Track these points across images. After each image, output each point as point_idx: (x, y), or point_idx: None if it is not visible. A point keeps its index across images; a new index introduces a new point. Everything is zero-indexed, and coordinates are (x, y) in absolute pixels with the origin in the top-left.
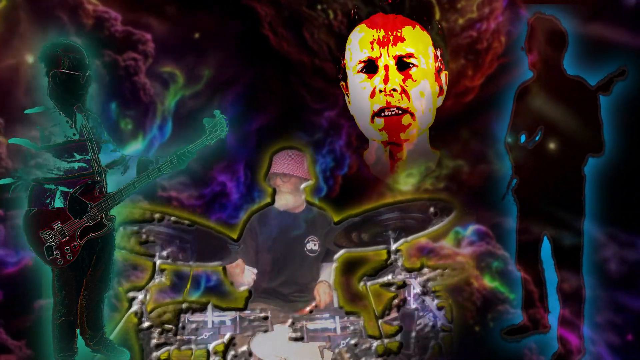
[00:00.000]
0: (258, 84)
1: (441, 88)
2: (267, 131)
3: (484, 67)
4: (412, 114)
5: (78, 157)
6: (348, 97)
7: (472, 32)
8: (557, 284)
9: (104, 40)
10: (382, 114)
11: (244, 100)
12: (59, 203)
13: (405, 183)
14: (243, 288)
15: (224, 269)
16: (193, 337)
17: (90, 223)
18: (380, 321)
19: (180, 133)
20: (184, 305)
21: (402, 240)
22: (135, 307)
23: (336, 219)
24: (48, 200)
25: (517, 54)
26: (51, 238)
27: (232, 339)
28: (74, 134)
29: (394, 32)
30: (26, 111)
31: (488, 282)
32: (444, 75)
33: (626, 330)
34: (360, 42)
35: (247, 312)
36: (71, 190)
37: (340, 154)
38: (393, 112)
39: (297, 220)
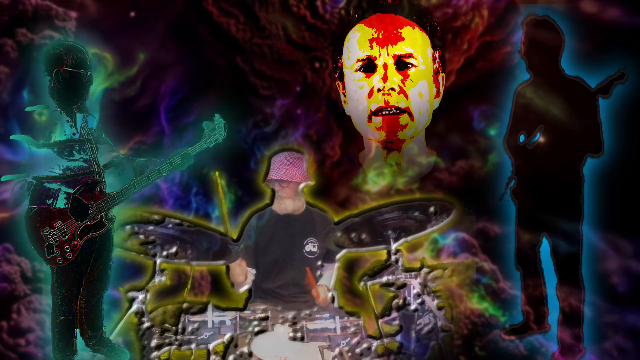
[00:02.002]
0: (200, 68)
1: (438, 90)
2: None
3: (462, 47)
4: (410, 114)
5: (77, 156)
6: (344, 96)
7: (447, 9)
8: (557, 284)
9: (17, 17)
10: (380, 113)
11: (184, 86)
12: (61, 202)
13: (375, 183)
14: (242, 289)
15: (227, 268)
16: (193, 337)
17: (90, 222)
18: (380, 321)
19: (109, 125)
20: (184, 305)
21: (402, 240)
22: (135, 307)
23: None
24: (50, 200)
25: (501, 31)
26: (52, 236)
27: (232, 339)
28: (74, 134)
29: (394, 32)
30: (27, 108)
31: (477, 304)
32: (441, 77)
33: (639, 358)
34: (359, 41)
35: (247, 312)
36: (72, 190)
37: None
38: (391, 112)
39: (296, 221)
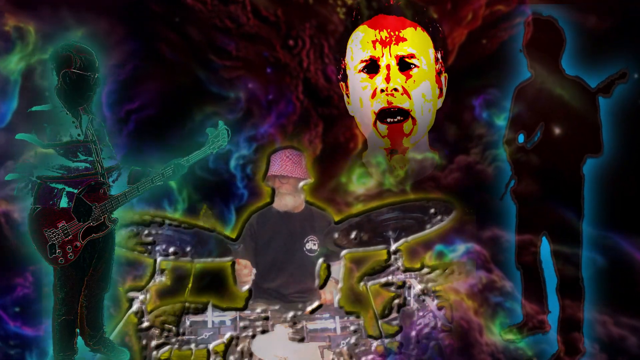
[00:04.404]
0: (147, 44)
1: (441, 90)
2: (155, 111)
3: (465, 19)
4: (413, 119)
5: (82, 157)
6: (347, 97)
7: None
8: (557, 284)
9: None
10: (385, 121)
11: (127, 67)
12: (64, 203)
13: (363, 184)
14: (245, 288)
15: (232, 267)
16: (193, 337)
17: (93, 224)
18: (380, 321)
19: (34, 115)
20: (184, 305)
21: (402, 240)
22: (135, 307)
23: None
24: (54, 200)
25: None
26: (55, 236)
27: (232, 339)
28: (79, 135)
29: (396, 32)
30: (32, 108)
31: (499, 335)
32: (443, 78)
33: None
34: (362, 42)
35: (247, 312)
36: (76, 190)
37: (268, 142)
38: (396, 120)
39: (296, 220)
